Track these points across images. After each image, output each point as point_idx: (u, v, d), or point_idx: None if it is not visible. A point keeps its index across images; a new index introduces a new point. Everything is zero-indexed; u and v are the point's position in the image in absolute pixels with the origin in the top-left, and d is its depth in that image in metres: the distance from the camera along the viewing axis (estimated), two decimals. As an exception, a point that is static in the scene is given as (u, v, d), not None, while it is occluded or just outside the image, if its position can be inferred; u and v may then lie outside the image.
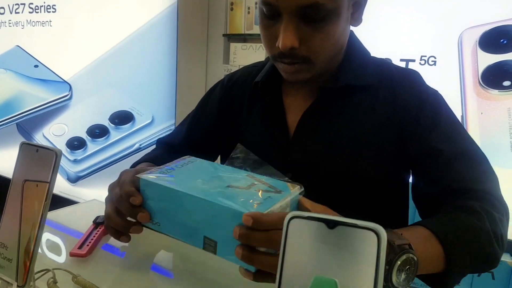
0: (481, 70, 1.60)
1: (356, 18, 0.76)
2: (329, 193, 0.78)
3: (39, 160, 0.68)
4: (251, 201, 0.53)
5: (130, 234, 0.68)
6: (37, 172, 0.67)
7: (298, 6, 0.66)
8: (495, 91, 1.59)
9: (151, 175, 0.61)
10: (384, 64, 0.84)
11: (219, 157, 1.01)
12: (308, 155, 0.80)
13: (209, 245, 0.56)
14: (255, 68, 0.93)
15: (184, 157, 0.69)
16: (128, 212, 0.62)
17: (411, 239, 0.53)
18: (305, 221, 0.42)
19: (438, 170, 0.72)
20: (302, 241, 0.42)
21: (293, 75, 0.75)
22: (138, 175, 0.61)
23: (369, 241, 0.39)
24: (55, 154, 0.65)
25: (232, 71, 2.13)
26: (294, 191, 0.59)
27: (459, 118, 1.62)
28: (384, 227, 0.74)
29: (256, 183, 0.59)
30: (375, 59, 0.85)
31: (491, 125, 1.60)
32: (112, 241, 0.90)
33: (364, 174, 0.78)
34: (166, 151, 0.99)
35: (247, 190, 0.57)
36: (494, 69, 1.58)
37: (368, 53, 0.85)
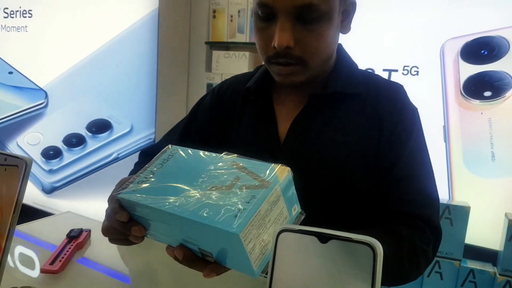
0: (462, 80, 1.61)
1: (345, 26, 0.80)
2: (319, 198, 0.80)
3: (7, 169, 0.64)
4: (235, 210, 0.49)
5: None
6: (5, 183, 0.63)
7: (293, 6, 0.69)
8: (477, 101, 1.60)
9: (128, 190, 0.58)
10: (372, 75, 0.88)
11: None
12: (299, 160, 0.80)
13: (206, 255, 0.54)
14: (245, 76, 0.95)
15: (164, 149, 0.65)
16: (121, 228, 0.60)
17: None
18: (295, 234, 0.40)
19: (388, 186, 0.77)
20: (292, 256, 0.40)
21: (288, 77, 0.77)
22: (115, 194, 0.59)
23: (364, 256, 0.37)
24: (25, 163, 0.61)
25: (214, 79, 2.10)
26: (282, 175, 0.54)
27: (441, 128, 1.65)
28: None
29: (240, 175, 0.55)
30: (363, 71, 0.89)
31: (472, 135, 1.62)
32: (88, 254, 0.86)
33: (352, 180, 0.80)
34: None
35: (230, 191, 0.53)
36: (476, 79, 1.60)
37: (356, 65, 0.89)
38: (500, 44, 1.55)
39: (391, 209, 0.76)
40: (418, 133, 0.82)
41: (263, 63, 0.84)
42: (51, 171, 2.53)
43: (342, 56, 0.87)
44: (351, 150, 0.80)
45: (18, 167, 0.63)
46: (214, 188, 0.53)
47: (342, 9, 0.77)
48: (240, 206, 0.49)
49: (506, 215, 1.51)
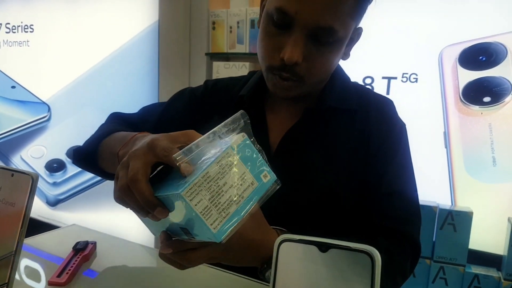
0: (461, 86, 1.62)
1: (346, 53, 0.80)
2: (308, 211, 0.79)
3: (14, 185, 0.65)
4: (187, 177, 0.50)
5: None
6: (13, 198, 0.64)
7: (314, 25, 0.67)
8: (476, 107, 1.61)
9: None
10: (364, 90, 0.89)
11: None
12: (289, 173, 0.78)
13: (187, 233, 0.54)
14: (240, 81, 0.93)
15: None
16: (138, 206, 0.53)
17: None
18: (296, 244, 0.41)
19: (372, 201, 0.78)
20: (293, 265, 0.41)
21: (283, 90, 0.76)
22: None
23: (363, 264, 0.38)
24: (31, 179, 0.63)
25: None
26: (238, 142, 0.53)
27: (441, 135, 1.66)
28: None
29: (210, 149, 0.54)
30: (355, 84, 0.90)
31: (473, 141, 1.62)
32: (94, 266, 0.87)
33: (341, 195, 0.79)
34: (125, 127, 0.91)
35: (195, 166, 0.51)
36: (474, 85, 1.60)
37: (349, 78, 0.89)
38: (498, 50, 1.56)
39: (374, 223, 0.77)
40: (405, 149, 0.83)
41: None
42: (55, 184, 2.55)
43: (336, 70, 0.86)
44: (340, 166, 0.80)
45: (25, 182, 0.65)
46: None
47: (350, 37, 0.76)
48: (191, 173, 0.50)
49: (509, 219, 1.51)
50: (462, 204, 1.64)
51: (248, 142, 0.55)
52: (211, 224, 0.49)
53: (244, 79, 0.93)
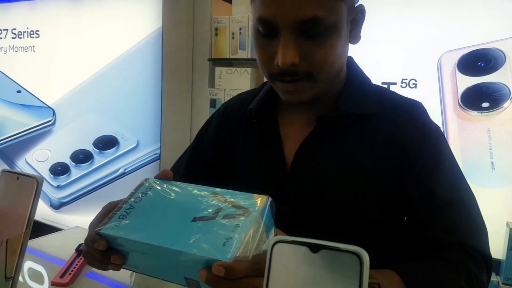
0: (460, 92, 1.64)
1: (354, 36, 0.73)
2: (326, 226, 0.75)
3: (20, 187, 0.67)
4: (221, 239, 0.51)
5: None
6: (18, 200, 0.66)
7: (297, 21, 0.63)
8: (475, 113, 1.62)
9: (110, 225, 0.57)
10: (387, 93, 0.81)
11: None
12: (306, 187, 0.76)
13: (192, 284, 0.54)
14: (250, 95, 0.89)
15: (141, 182, 0.64)
16: (99, 256, 0.57)
17: (381, 280, 0.53)
18: (289, 245, 0.43)
19: (430, 215, 0.70)
20: (286, 265, 0.42)
21: (294, 94, 0.71)
22: (96, 229, 0.56)
23: (352, 264, 0.39)
24: (36, 182, 0.65)
25: (217, 95, 2.11)
26: (262, 204, 0.56)
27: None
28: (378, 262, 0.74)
29: (221, 206, 0.56)
30: (376, 87, 0.82)
31: (472, 146, 1.64)
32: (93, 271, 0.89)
33: (362, 208, 0.74)
34: None
35: (214, 221, 0.54)
36: (473, 91, 1.62)
37: (369, 80, 0.82)
38: (496, 56, 1.58)
39: (436, 239, 0.69)
40: (450, 154, 0.75)
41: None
42: (59, 187, 2.57)
43: (353, 71, 0.80)
44: (363, 179, 0.73)
45: (30, 185, 0.67)
46: (197, 220, 0.54)
47: (350, 18, 0.70)
48: (227, 235, 0.51)
49: (507, 224, 1.52)
50: (461, 209, 1.65)
51: (268, 205, 0.56)
52: None
53: (255, 92, 0.88)
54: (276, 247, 0.43)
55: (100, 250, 0.55)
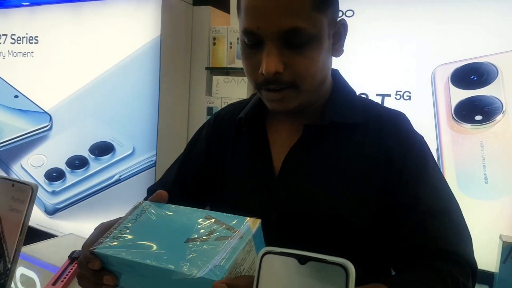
0: (454, 105, 1.66)
1: (337, 49, 0.76)
2: (313, 233, 0.76)
3: (15, 194, 0.68)
4: (215, 259, 0.52)
5: None
6: (13, 207, 0.67)
7: (279, 31, 0.66)
8: (468, 125, 1.64)
9: (104, 245, 0.58)
10: (372, 104, 0.84)
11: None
12: (293, 193, 0.78)
13: None
14: (240, 104, 0.92)
15: (136, 205, 0.65)
16: (92, 277, 0.58)
17: None
18: (277, 256, 0.44)
19: (415, 224, 0.72)
20: (275, 276, 0.43)
21: (280, 103, 0.74)
22: (91, 249, 0.57)
23: (338, 276, 0.40)
24: (31, 189, 0.66)
25: (214, 103, 2.13)
26: (254, 226, 0.57)
27: (434, 152, 1.69)
28: (366, 270, 0.75)
29: (215, 227, 0.57)
30: (361, 98, 0.85)
31: (465, 158, 1.65)
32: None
33: (348, 216, 0.75)
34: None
35: (207, 242, 0.55)
36: (466, 104, 1.64)
37: (354, 92, 0.84)
38: (489, 70, 1.60)
39: (422, 247, 0.70)
40: (434, 163, 0.77)
41: None
42: (54, 193, 2.56)
43: (338, 83, 0.83)
44: (350, 186, 0.75)
45: (25, 192, 0.67)
46: (190, 241, 0.55)
47: (332, 32, 0.73)
48: (219, 255, 0.52)
49: (500, 237, 1.52)
50: (454, 221, 1.66)
51: (260, 228, 0.58)
52: None
53: (245, 102, 0.91)
54: (265, 258, 0.44)
55: (94, 270, 0.57)
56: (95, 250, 0.57)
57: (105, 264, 0.57)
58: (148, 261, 0.53)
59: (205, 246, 0.54)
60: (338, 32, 0.75)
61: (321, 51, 0.71)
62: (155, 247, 0.56)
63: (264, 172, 0.81)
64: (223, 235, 0.56)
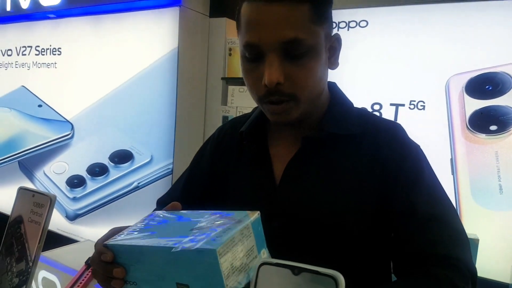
0: (468, 114, 1.65)
1: (332, 62, 0.80)
2: (313, 241, 0.79)
3: (35, 204, 0.72)
4: (212, 234, 0.56)
5: None
6: (33, 216, 0.72)
7: (280, 42, 0.69)
8: (483, 135, 1.63)
9: (117, 239, 0.63)
10: (368, 115, 0.87)
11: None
12: (294, 202, 0.81)
13: None
14: (243, 118, 0.95)
15: (151, 213, 0.70)
16: (104, 271, 0.62)
17: None
18: (273, 267, 0.46)
19: (412, 231, 0.73)
20: (271, 286, 0.46)
21: (281, 115, 0.76)
22: (104, 242, 0.62)
23: (328, 287, 0.43)
24: (50, 199, 0.70)
25: (229, 112, 2.16)
26: (254, 216, 0.61)
27: (448, 162, 1.69)
28: (367, 277, 0.76)
29: (218, 218, 0.61)
30: (358, 109, 0.87)
31: (479, 168, 1.64)
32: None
33: (348, 224, 0.78)
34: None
35: (209, 228, 0.59)
36: (481, 114, 1.63)
37: (352, 104, 0.87)
38: (504, 80, 1.59)
39: (422, 252, 0.71)
40: (429, 170, 0.79)
41: None
42: (75, 199, 2.62)
43: (336, 95, 0.86)
44: (347, 193, 0.78)
45: (44, 202, 0.72)
46: (194, 229, 0.60)
47: (328, 46, 0.76)
48: (216, 234, 0.56)
49: (515, 248, 1.52)
50: (468, 231, 1.63)
51: (259, 219, 0.62)
52: (226, 283, 0.53)
53: (248, 116, 0.94)
54: (262, 268, 0.47)
55: (105, 264, 0.61)
56: (108, 243, 0.62)
57: (116, 257, 0.61)
58: (153, 244, 0.58)
59: (205, 229, 0.59)
60: (333, 46, 0.79)
61: (319, 62, 0.74)
62: (162, 235, 0.61)
63: (265, 183, 0.84)
64: (225, 222, 0.60)
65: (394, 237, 0.76)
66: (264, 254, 0.61)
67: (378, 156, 0.78)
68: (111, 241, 0.62)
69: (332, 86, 0.87)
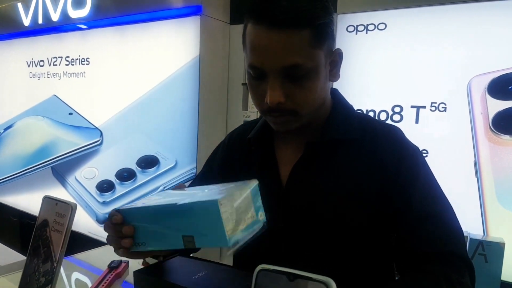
0: (491, 116, 1.62)
1: (334, 75, 0.84)
2: (319, 240, 0.83)
3: (58, 211, 0.77)
4: (215, 194, 0.63)
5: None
6: (56, 225, 0.77)
7: (281, 67, 0.74)
8: (507, 137, 1.60)
9: (126, 206, 0.73)
10: (368, 119, 0.91)
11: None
12: (299, 204, 0.85)
13: (188, 241, 0.65)
14: (251, 125, 1.00)
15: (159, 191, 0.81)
16: (114, 233, 0.74)
17: None
18: (270, 273, 0.49)
19: (409, 229, 0.77)
20: (268, 291, 0.49)
21: (283, 125, 0.82)
22: (115, 208, 0.73)
23: (321, 292, 0.45)
24: (71, 208, 0.75)
25: (250, 116, 2.19)
26: (252, 183, 0.70)
27: (472, 164, 1.66)
28: (370, 277, 0.79)
29: (220, 187, 0.70)
30: (359, 114, 0.92)
31: (504, 170, 1.61)
32: (125, 283, 0.98)
33: (350, 223, 0.82)
34: None
35: (212, 191, 0.68)
36: (505, 115, 1.60)
37: (353, 109, 0.92)
38: (528, 80, 1.55)
39: (418, 250, 0.75)
40: (426, 170, 0.83)
41: None
42: (104, 203, 2.71)
43: (337, 101, 0.90)
44: (349, 195, 0.82)
45: (66, 210, 0.77)
46: (198, 193, 0.68)
47: (329, 61, 0.81)
48: (217, 192, 0.64)
49: (542, 252, 1.48)
50: (494, 235, 1.61)
51: (257, 187, 0.70)
52: (227, 231, 0.60)
53: (256, 121, 1.00)
54: (260, 274, 0.49)
55: (116, 226, 0.72)
56: (118, 208, 0.72)
57: (125, 220, 0.71)
58: (159, 203, 0.67)
59: (207, 192, 0.68)
60: (335, 60, 0.83)
61: (319, 81, 0.78)
62: (168, 198, 0.70)
63: (272, 186, 0.88)
64: (225, 188, 0.68)
65: (393, 236, 0.80)
66: (262, 216, 0.69)
67: (377, 158, 0.82)
68: (121, 207, 0.72)
69: (334, 93, 0.92)
